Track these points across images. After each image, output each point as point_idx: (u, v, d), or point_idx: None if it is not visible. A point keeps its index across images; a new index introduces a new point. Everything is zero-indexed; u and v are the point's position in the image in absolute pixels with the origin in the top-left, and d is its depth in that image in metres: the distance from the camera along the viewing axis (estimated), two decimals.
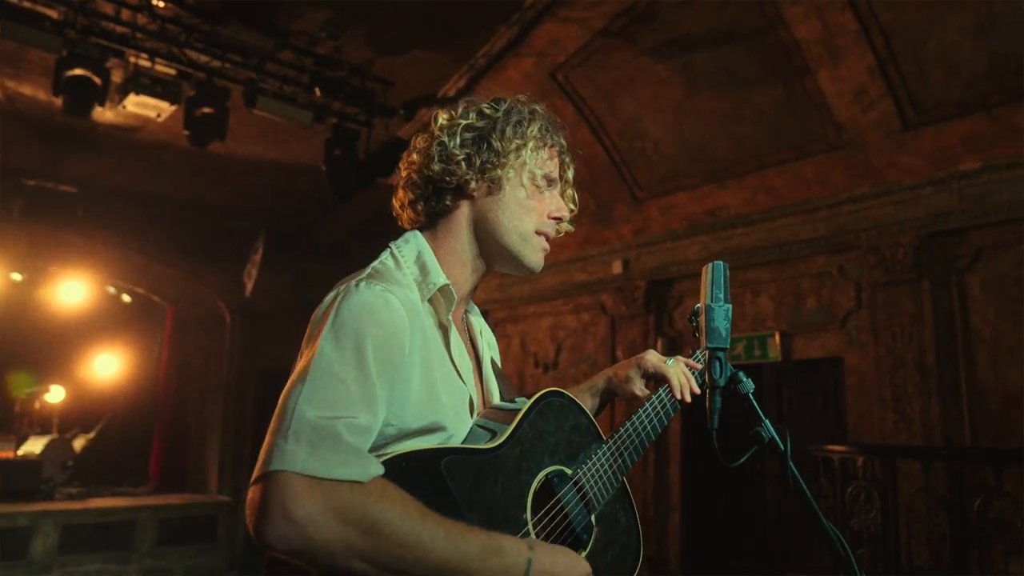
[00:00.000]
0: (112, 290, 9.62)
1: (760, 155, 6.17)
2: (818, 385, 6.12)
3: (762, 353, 6.32)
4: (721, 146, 6.32)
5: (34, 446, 8.32)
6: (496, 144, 1.36)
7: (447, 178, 1.36)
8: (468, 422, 1.30)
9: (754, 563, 6.16)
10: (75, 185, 8.00)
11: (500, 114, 1.38)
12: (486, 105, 1.40)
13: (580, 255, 7.83)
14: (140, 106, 5.73)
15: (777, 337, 6.26)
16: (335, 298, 1.20)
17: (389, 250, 1.37)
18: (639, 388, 1.61)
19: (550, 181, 1.44)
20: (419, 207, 1.41)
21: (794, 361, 6.23)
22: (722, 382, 1.36)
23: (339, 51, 6.02)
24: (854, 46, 5.10)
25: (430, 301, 1.32)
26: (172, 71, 5.66)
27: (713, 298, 1.40)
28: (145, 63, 5.52)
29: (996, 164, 5.13)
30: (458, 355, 1.34)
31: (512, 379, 5.80)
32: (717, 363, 1.37)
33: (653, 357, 1.62)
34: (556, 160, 1.46)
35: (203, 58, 5.66)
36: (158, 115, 5.97)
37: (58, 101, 5.38)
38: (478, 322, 1.53)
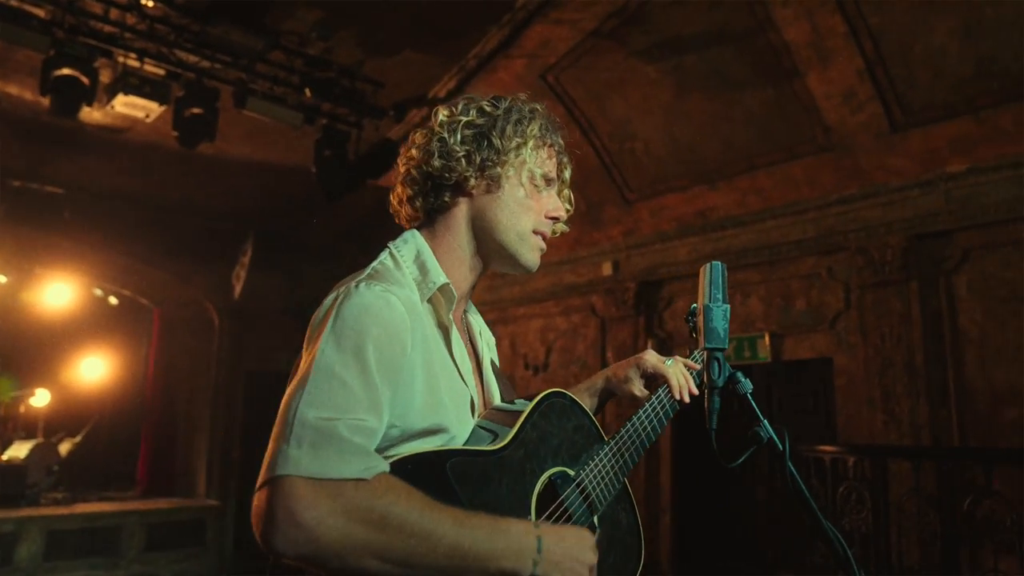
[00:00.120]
0: (99, 292, 9.52)
1: (750, 156, 6.20)
2: (808, 386, 6.15)
3: (752, 354, 6.35)
4: (711, 148, 6.35)
5: (19, 451, 8.22)
6: (496, 142, 1.35)
7: (446, 175, 1.35)
8: (470, 423, 1.30)
9: (745, 563, 6.18)
10: (61, 186, 7.93)
11: (501, 112, 1.38)
12: (487, 102, 1.40)
13: (570, 256, 7.83)
14: (129, 106, 5.68)
15: (767, 338, 6.29)
16: (335, 299, 1.19)
17: (388, 250, 1.36)
18: (638, 388, 1.61)
19: (548, 181, 1.44)
20: (417, 203, 1.40)
21: (784, 362, 6.25)
22: (721, 382, 1.36)
23: (329, 52, 6.00)
24: (843, 48, 5.13)
25: (430, 301, 1.31)
26: (161, 71, 5.61)
27: (711, 298, 1.40)
28: (134, 63, 5.48)
29: (982, 166, 5.18)
30: (459, 355, 1.33)
31: None
32: (716, 363, 1.37)
33: (652, 357, 1.62)
34: (554, 160, 1.46)
35: (192, 58, 5.63)
36: (147, 116, 5.92)
37: (45, 101, 5.32)
38: (477, 322, 1.53)
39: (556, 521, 1.27)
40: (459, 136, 1.35)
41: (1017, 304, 5.00)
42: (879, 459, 4.61)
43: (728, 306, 1.40)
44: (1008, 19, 4.62)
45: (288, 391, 1.10)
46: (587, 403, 1.60)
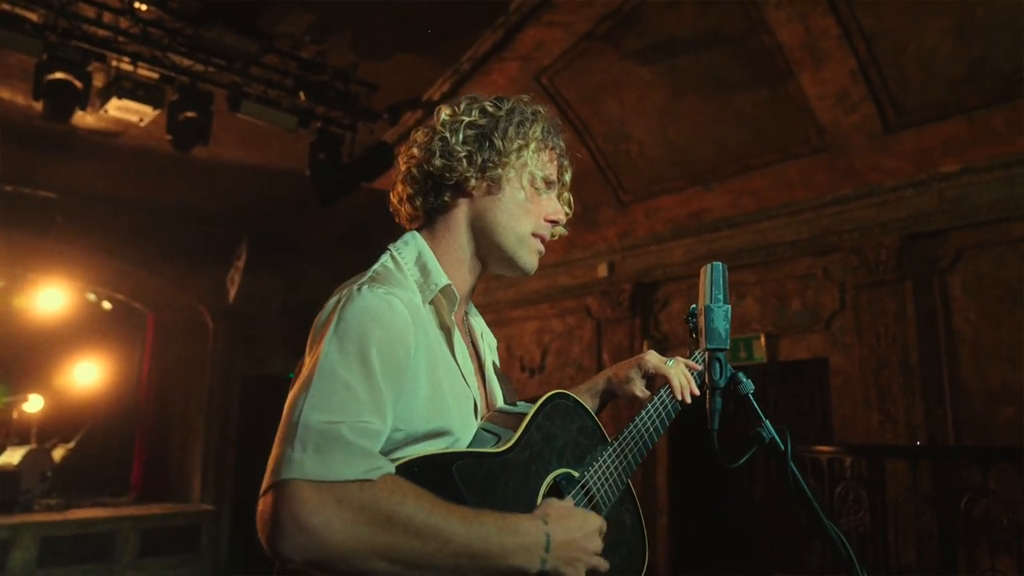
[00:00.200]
0: (92, 297, 9.48)
1: (744, 158, 6.21)
2: (803, 386, 6.16)
3: (748, 355, 6.36)
4: (705, 149, 6.36)
5: (12, 457, 8.16)
6: (498, 143, 1.35)
7: (447, 174, 1.35)
8: (473, 425, 1.29)
9: (742, 564, 6.19)
10: (54, 191, 7.88)
11: (503, 113, 1.38)
12: (489, 103, 1.39)
13: (565, 258, 7.84)
14: (122, 110, 5.64)
15: (763, 339, 6.30)
16: (338, 302, 1.18)
17: (388, 252, 1.36)
18: (639, 389, 1.60)
19: (548, 183, 1.44)
20: (417, 202, 1.39)
21: (780, 362, 6.27)
22: (722, 383, 1.36)
23: (323, 55, 5.99)
24: (836, 50, 5.15)
25: (432, 303, 1.30)
26: (155, 75, 5.59)
27: (712, 299, 1.40)
28: (127, 67, 5.45)
29: (975, 166, 5.21)
30: (462, 357, 1.33)
31: None
32: (717, 364, 1.37)
33: (653, 358, 1.62)
34: (555, 163, 1.46)
35: (186, 62, 5.60)
36: (140, 119, 5.89)
37: (37, 105, 5.29)
38: (479, 324, 1.52)
39: None
40: (461, 136, 1.35)
41: (1011, 303, 5.03)
42: (876, 459, 4.62)
43: (729, 306, 1.40)
44: (999, 20, 4.64)
45: (291, 394, 1.09)
46: (588, 404, 1.59)
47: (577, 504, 1.30)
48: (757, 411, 1.37)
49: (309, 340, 1.19)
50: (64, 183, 7.86)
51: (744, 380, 1.38)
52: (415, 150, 1.39)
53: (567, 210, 1.51)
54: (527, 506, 1.22)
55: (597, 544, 1.21)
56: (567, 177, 1.51)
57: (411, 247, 1.36)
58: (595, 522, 1.23)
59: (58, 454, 8.71)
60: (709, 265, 1.41)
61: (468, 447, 1.25)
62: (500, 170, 1.36)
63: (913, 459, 4.54)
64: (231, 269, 9.00)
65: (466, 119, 1.36)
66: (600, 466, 1.38)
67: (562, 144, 1.47)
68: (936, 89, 5.10)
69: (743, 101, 5.88)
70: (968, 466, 4.58)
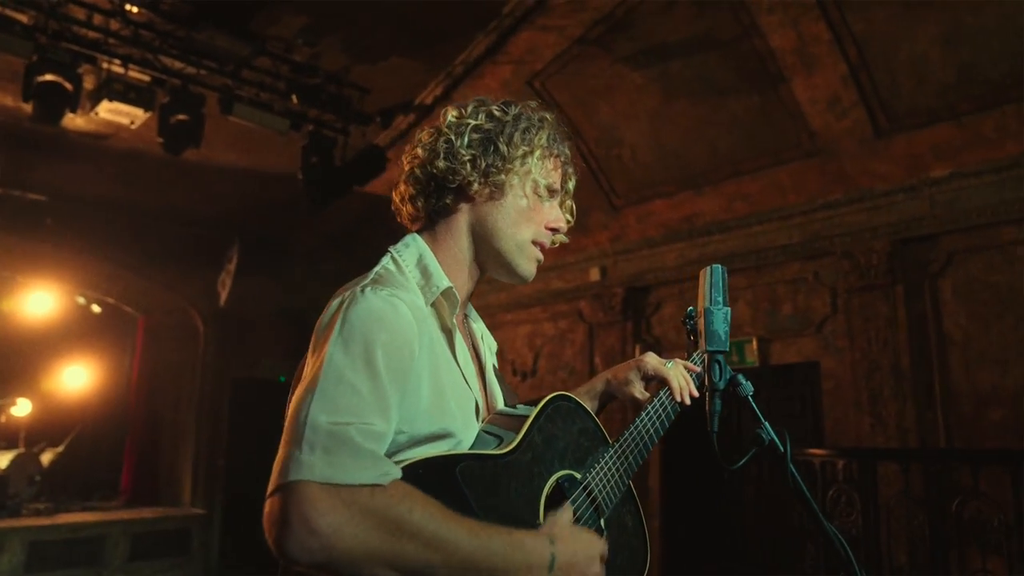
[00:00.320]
0: (82, 300, 9.42)
1: (736, 162, 6.24)
2: (795, 390, 6.19)
3: (739, 359, 6.38)
4: (697, 153, 6.38)
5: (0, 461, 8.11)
6: (503, 149, 1.34)
7: (450, 177, 1.34)
8: (475, 428, 1.29)
9: (734, 565, 6.20)
10: (44, 193, 7.83)
11: (510, 118, 1.37)
12: (496, 107, 1.39)
13: (557, 262, 7.84)
14: (113, 113, 5.62)
15: (754, 343, 6.32)
16: (341, 304, 1.17)
17: (390, 254, 1.35)
18: (639, 390, 1.61)
19: (552, 192, 1.44)
20: (419, 203, 1.39)
21: (771, 366, 6.29)
22: (722, 385, 1.37)
23: (316, 58, 5.99)
24: (827, 55, 5.19)
25: (433, 305, 1.30)
26: (146, 77, 5.57)
27: (712, 301, 1.41)
28: (118, 69, 5.43)
29: (965, 171, 5.25)
30: (463, 360, 1.33)
31: None
32: (716, 366, 1.38)
33: (653, 360, 1.62)
34: (559, 171, 1.46)
35: (178, 64, 5.59)
36: (131, 122, 5.86)
37: (27, 107, 5.25)
38: (479, 327, 1.52)
39: None
40: (466, 139, 1.34)
41: (1000, 307, 5.07)
42: (868, 462, 4.64)
43: (728, 309, 1.41)
44: (989, 27, 4.69)
45: (296, 396, 1.09)
46: (588, 406, 1.60)
47: (580, 505, 1.31)
48: (757, 413, 1.38)
49: (312, 342, 1.19)
50: (54, 185, 7.81)
51: (744, 382, 1.39)
52: (419, 150, 1.39)
53: (569, 218, 1.51)
54: (531, 507, 1.23)
55: (597, 570, 1.22)
56: (571, 185, 1.51)
57: (412, 249, 1.36)
58: (599, 547, 1.24)
59: (47, 458, 8.64)
60: (709, 267, 1.42)
61: (470, 449, 1.25)
62: (503, 176, 1.35)
63: (904, 462, 4.56)
64: (222, 272, 8.96)
65: (472, 122, 1.36)
66: (602, 468, 1.38)
67: (567, 152, 1.47)
68: (927, 94, 5.15)
69: (735, 106, 5.90)
70: (959, 468, 4.61)
